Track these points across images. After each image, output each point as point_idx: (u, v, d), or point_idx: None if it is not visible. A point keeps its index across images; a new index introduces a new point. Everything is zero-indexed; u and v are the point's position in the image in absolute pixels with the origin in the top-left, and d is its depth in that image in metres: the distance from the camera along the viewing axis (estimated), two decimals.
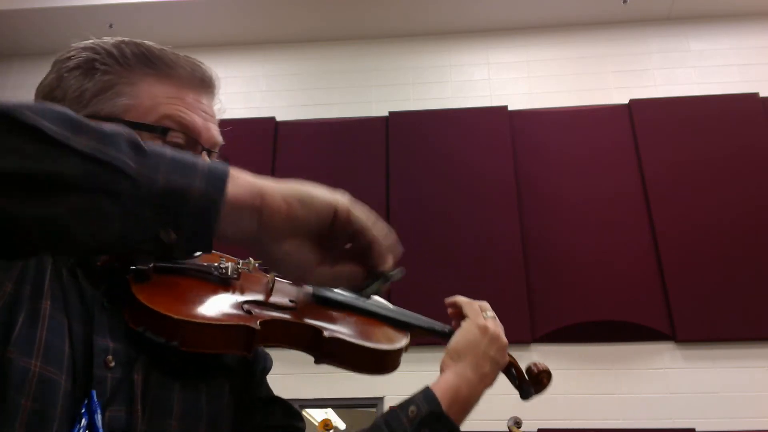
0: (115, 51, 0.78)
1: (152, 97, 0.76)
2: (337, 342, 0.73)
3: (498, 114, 3.95)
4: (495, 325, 0.87)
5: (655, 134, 3.77)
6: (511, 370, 0.92)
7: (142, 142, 0.49)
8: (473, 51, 4.32)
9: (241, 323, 0.66)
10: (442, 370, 0.84)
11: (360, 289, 0.58)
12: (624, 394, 3.23)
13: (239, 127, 3.95)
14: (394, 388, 3.35)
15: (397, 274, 0.62)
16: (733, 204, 3.52)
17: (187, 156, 0.51)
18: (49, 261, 0.68)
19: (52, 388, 0.61)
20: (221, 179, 0.50)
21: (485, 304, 0.91)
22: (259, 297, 0.74)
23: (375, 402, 3.38)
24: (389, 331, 0.82)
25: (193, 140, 0.77)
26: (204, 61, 0.85)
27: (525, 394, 0.93)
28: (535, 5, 4.16)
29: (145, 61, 0.78)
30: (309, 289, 0.81)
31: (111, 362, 0.65)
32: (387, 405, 3.25)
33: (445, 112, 4.01)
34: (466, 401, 0.81)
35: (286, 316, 0.73)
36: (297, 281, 0.76)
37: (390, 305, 0.88)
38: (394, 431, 0.77)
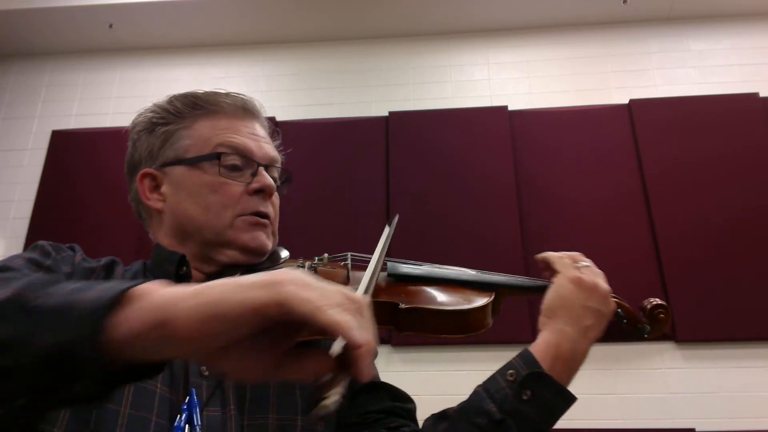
0: (168, 106, 0.92)
1: (205, 133, 0.88)
2: (414, 311, 0.75)
3: (498, 114, 3.95)
4: (590, 275, 0.84)
5: (655, 134, 3.77)
6: (619, 312, 0.87)
7: (31, 297, 0.46)
8: (473, 51, 4.32)
9: None
10: (539, 330, 0.82)
11: (315, 403, 0.44)
12: (624, 394, 3.23)
13: None
14: None
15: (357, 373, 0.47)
16: (733, 204, 3.52)
17: (73, 296, 0.46)
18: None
19: (148, 395, 0.69)
20: (97, 316, 0.43)
21: (577, 255, 0.88)
22: None
23: None
24: (469, 293, 0.81)
25: (247, 159, 0.88)
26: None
27: (639, 333, 0.88)
28: (535, 5, 4.16)
29: (193, 106, 0.91)
30: (385, 273, 0.84)
31: (205, 371, 0.74)
32: None
33: (445, 112, 4.01)
34: (570, 357, 0.78)
35: None
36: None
37: (473, 271, 0.88)
38: (494, 397, 0.76)
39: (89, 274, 0.82)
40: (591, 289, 0.82)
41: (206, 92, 0.93)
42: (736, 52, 4.09)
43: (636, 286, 3.40)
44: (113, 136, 4.11)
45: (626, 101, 3.93)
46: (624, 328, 0.88)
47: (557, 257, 0.87)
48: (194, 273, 0.85)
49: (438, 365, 3.31)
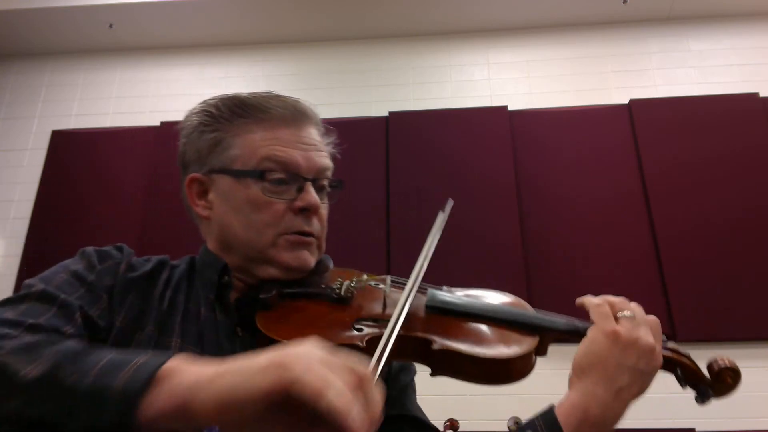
0: (214, 110, 0.89)
1: (252, 143, 0.85)
2: (448, 353, 0.69)
3: (498, 114, 3.95)
4: (631, 328, 0.74)
5: (655, 134, 3.77)
6: (677, 370, 0.77)
7: (65, 379, 0.52)
8: (473, 51, 4.32)
9: (347, 342, 0.67)
10: (569, 388, 0.75)
11: None
12: None
13: None
14: None
15: None
16: (733, 204, 3.52)
17: (106, 379, 0.52)
18: (181, 304, 0.79)
19: None
20: (132, 403, 0.50)
21: (621, 303, 0.78)
22: (373, 314, 0.74)
23: None
24: (512, 336, 0.73)
25: (293, 174, 0.84)
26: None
27: (700, 396, 0.78)
28: (535, 5, 4.16)
29: (240, 112, 0.88)
30: (423, 299, 0.78)
31: None
32: None
33: (445, 112, 4.01)
34: (599, 422, 0.72)
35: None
36: None
37: (518, 305, 0.80)
38: None
39: (131, 288, 0.80)
40: (629, 345, 0.73)
41: (255, 96, 0.92)
42: (736, 52, 4.09)
43: (636, 286, 3.40)
44: (113, 136, 4.11)
45: (626, 101, 3.93)
46: (679, 383, 0.80)
47: (595, 305, 0.78)
48: (235, 282, 0.85)
49: None
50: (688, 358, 0.80)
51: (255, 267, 0.84)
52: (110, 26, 4.26)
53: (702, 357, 3.22)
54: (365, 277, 0.84)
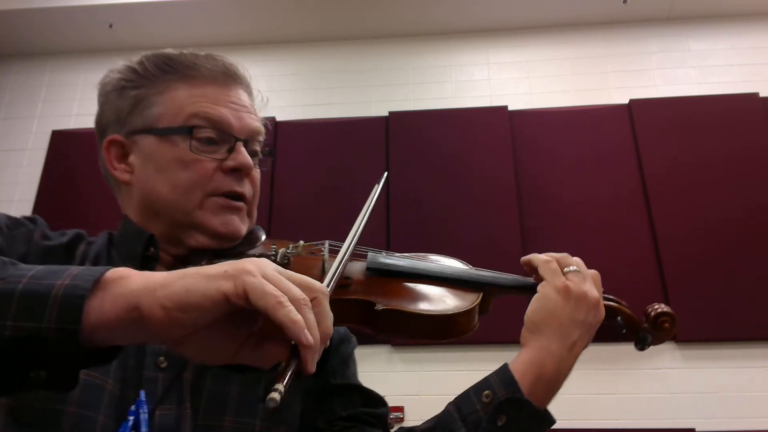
0: (137, 67, 0.83)
1: (178, 100, 0.78)
2: (392, 313, 0.68)
3: (498, 114, 3.95)
4: (578, 282, 0.75)
5: (655, 134, 3.77)
6: (617, 318, 0.79)
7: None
8: (473, 51, 4.32)
9: None
10: (522, 345, 0.74)
11: (264, 393, 0.44)
12: (624, 394, 3.23)
13: None
14: (395, 388, 3.36)
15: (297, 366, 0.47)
16: (733, 204, 3.52)
17: (42, 283, 0.46)
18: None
19: (96, 393, 0.64)
20: (75, 306, 0.44)
21: (566, 259, 0.79)
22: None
23: None
24: (455, 293, 0.73)
25: (224, 133, 0.78)
26: None
27: (640, 343, 0.80)
28: (535, 5, 4.16)
29: (166, 69, 0.81)
30: (364, 263, 0.77)
31: (163, 363, 0.67)
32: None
33: (445, 112, 4.01)
34: (554, 378, 0.72)
35: (338, 294, 0.68)
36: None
37: (462, 265, 0.80)
38: (466, 419, 0.70)
39: (47, 255, 0.74)
40: (579, 299, 0.74)
41: (182, 53, 0.82)
42: (736, 52, 4.09)
43: (636, 286, 3.40)
44: None
45: (626, 101, 3.93)
46: (619, 332, 0.80)
47: (543, 261, 0.78)
48: (163, 256, 0.78)
49: (438, 365, 3.31)
50: (627, 306, 0.82)
51: (182, 234, 0.77)
52: (110, 26, 4.26)
53: (702, 357, 3.23)
54: (302, 243, 0.80)
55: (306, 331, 0.45)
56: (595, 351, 0.79)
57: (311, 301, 0.47)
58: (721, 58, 4.08)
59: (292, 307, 0.45)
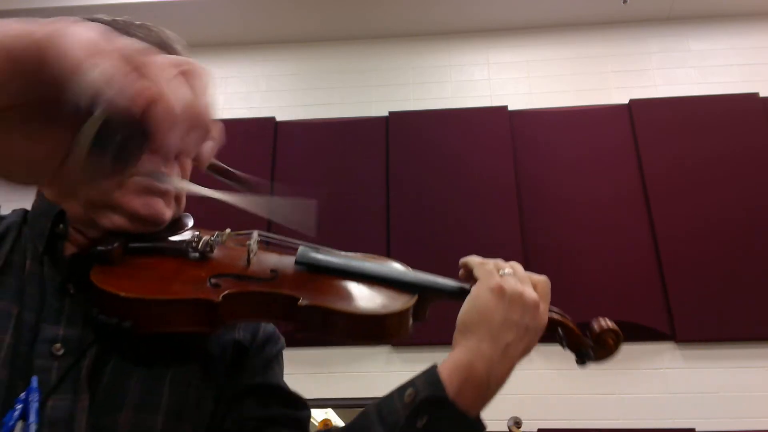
0: None
1: None
2: (315, 309, 0.63)
3: (498, 114, 3.95)
4: (515, 283, 0.70)
5: (655, 134, 3.77)
6: (558, 330, 0.75)
7: None
8: (473, 51, 4.32)
9: (200, 297, 0.60)
10: (452, 346, 0.70)
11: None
12: (624, 394, 3.23)
13: (239, 127, 3.96)
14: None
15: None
16: (733, 204, 3.52)
17: None
18: (2, 256, 0.67)
19: None
20: None
21: (501, 262, 0.74)
22: (235, 270, 0.67)
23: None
24: (387, 294, 0.69)
25: None
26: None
27: (581, 359, 0.75)
28: (535, 5, 4.16)
29: None
30: (292, 258, 0.72)
31: (59, 350, 0.62)
32: None
33: (445, 112, 4.01)
34: (483, 381, 0.66)
35: (260, 287, 0.65)
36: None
37: (400, 267, 0.76)
38: (385, 420, 0.66)
39: None
40: (514, 299, 0.69)
41: (115, 20, 0.74)
42: (736, 52, 4.09)
43: (636, 286, 3.40)
44: None
45: (626, 101, 3.93)
46: (561, 345, 0.76)
47: (478, 263, 0.74)
48: (74, 235, 0.71)
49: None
50: (571, 321, 0.76)
51: (98, 215, 0.69)
52: None
53: (702, 357, 3.23)
54: (228, 231, 0.74)
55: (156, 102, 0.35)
56: None
57: (183, 74, 0.38)
58: (721, 58, 4.08)
59: (117, 67, 0.34)
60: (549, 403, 3.19)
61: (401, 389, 0.68)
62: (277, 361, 0.80)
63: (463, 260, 0.77)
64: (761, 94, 3.83)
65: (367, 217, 3.65)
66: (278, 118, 4.06)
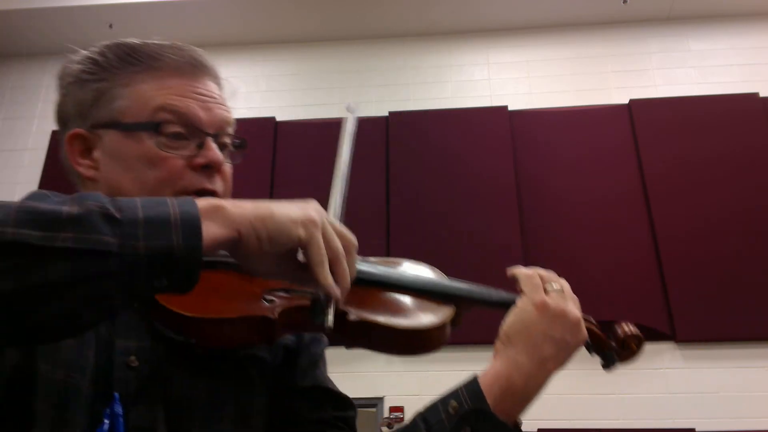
0: (99, 58, 0.77)
1: (144, 93, 0.74)
2: (365, 324, 0.66)
3: (498, 114, 3.95)
4: (559, 300, 0.74)
5: (655, 134, 3.77)
6: (587, 340, 0.77)
7: (113, 210, 0.50)
8: (473, 51, 4.32)
9: (258, 314, 0.63)
10: (493, 356, 0.73)
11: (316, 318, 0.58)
12: (624, 394, 3.23)
13: (239, 127, 3.95)
14: (395, 388, 3.35)
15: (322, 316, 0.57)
16: (733, 204, 3.52)
17: (158, 210, 0.52)
18: None
19: (75, 394, 0.62)
20: (196, 227, 0.52)
21: (550, 275, 0.78)
22: (283, 284, 0.69)
23: (375, 402, 3.38)
24: (428, 306, 0.72)
25: (193, 128, 0.74)
26: None
27: (607, 362, 0.79)
28: (535, 5, 4.16)
29: (129, 60, 0.76)
30: None
31: (134, 362, 0.65)
32: (387, 405, 3.25)
33: (445, 112, 4.01)
34: (522, 392, 0.70)
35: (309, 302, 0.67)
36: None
37: (433, 273, 0.79)
38: (431, 429, 0.70)
39: None
40: (557, 316, 0.73)
41: (146, 43, 0.78)
42: (736, 52, 4.09)
43: (636, 286, 3.41)
44: None
45: (626, 101, 3.93)
46: (587, 350, 0.79)
47: (526, 275, 0.78)
48: None
49: (438, 365, 3.30)
50: (597, 326, 0.80)
51: None
52: (110, 26, 4.25)
53: (702, 357, 3.23)
54: None
55: (333, 287, 0.56)
56: None
57: (345, 249, 0.58)
58: (721, 58, 4.08)
59: (327, 269, 0.56)
60: (549, 403, 3.19)
61: (444, 400, 0.71)
62: (322, 359, 0.83)
63: (511, 271, 0.80)
64: (761, 94, 3.83)
65: (367, 216, 3.65)
66: (278, 118, 4.06)
